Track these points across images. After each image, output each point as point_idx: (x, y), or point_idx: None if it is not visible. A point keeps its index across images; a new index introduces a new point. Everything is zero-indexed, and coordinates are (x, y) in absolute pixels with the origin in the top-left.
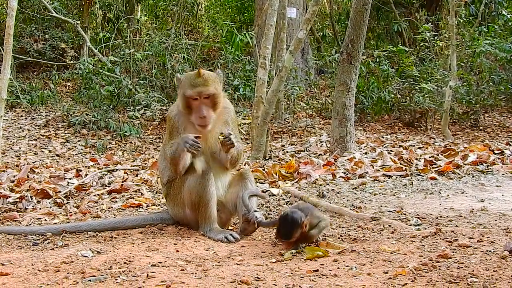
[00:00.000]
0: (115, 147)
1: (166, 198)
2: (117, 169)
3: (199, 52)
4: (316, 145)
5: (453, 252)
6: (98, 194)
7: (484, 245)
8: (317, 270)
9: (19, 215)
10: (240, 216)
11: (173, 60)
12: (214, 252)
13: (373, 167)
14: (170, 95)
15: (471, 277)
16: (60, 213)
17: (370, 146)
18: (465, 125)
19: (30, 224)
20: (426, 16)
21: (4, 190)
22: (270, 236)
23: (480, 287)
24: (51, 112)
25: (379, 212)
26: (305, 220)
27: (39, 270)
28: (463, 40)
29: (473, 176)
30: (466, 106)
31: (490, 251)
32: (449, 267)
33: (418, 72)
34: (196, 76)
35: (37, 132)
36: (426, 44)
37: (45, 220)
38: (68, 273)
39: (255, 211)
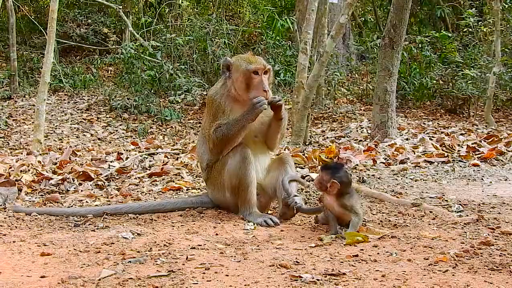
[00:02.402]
0: (156, 131)
1: (206, 182)
2: (157, 153)
3: (240, 37)
4: (357, 131)
5: (495, 239)
6: (138, 177)
7: None
8: (356, 255)
9: (61, 196)
10: (279, 201)
11: (214, 45)
12: (253, 236)
13: (414, 153)
14: (210, 80)
15: None
16: (101, 195)
17: (412, 132)
18: (509, 112)
19: (71, 206)
20: (470, 1)
21: (47, 172)
22: (309, 221)
23: None
24: (93, 96)
25: (420, 198)
26: (332, 180)
27: (80, 251)
28: (507, 25)
29: None
30: (510, 92)
31: None
32: (491, 254)
33: (461, 58)
34: (251, 54)
35: (79, 116)
36: (470, 29)
37: (87, 202)
38: (108, 254)
39: (295, 196)
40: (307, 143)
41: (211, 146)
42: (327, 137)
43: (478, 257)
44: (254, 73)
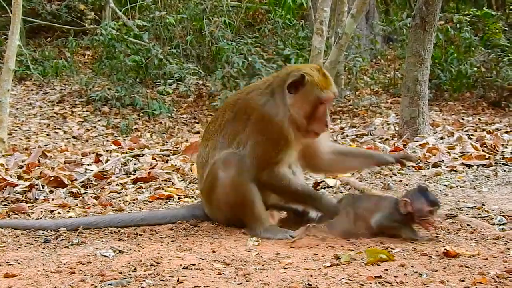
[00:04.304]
0: (142, 128)
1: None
2: (144, 154)
3: (243, 15)
4: (382, 127)
5: None
6: (121, 183)
7: None
8: (380, 277)
9: (29, 206)
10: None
11: (211, 25)
12: (257, 254)
13: (450, 155)
14: (207, 67)
15: None
16: (76, 205)
17: (447, 130)
18: None
19: (41, 218)
20: None
21: (12, 177)
22: (323, 236)
23: None
24: (66, 86)
25: (456, 208)
26: (405, 200)
27: (51, 272)
28: None
29: None
30: None
31: None
32: None
33: (507, 41)
34: (322, 75)
35: (50, 110)
36: None
37: (59, 213)
38: (85, 275)
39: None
40: None
41: (264, 178)
42: (347, 135)
43: None
44: (321, 103)
